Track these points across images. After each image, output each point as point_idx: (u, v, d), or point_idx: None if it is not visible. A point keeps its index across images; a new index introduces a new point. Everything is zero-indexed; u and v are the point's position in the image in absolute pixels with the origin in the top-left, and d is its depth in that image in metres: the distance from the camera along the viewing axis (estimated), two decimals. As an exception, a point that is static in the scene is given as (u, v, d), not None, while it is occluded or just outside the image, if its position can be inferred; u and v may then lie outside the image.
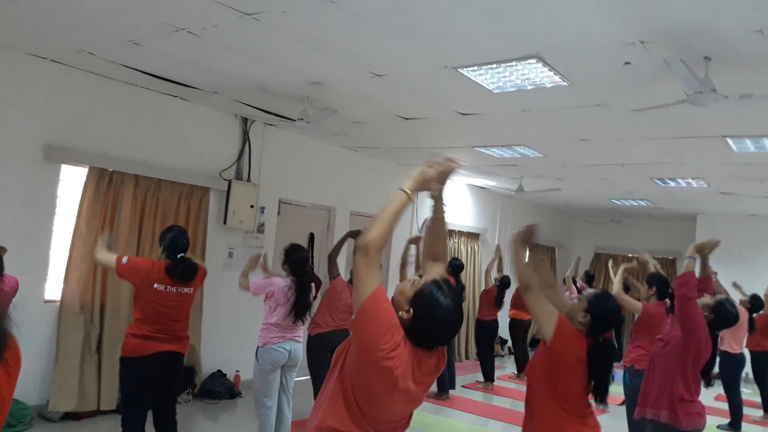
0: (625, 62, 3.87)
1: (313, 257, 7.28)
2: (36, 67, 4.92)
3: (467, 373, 8.94)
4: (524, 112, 5.31)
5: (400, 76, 4.63)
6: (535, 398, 2.70)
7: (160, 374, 3.84)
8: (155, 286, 3.76)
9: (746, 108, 4.45)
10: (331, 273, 5.37)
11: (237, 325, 6.49)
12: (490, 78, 4.42)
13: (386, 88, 4.95)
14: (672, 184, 8.38)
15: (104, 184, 5.36)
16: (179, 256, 3.86)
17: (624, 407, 4.93)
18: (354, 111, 5.83)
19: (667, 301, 4.78)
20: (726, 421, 6.93)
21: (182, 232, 4.00)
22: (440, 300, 1.89)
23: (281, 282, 4.45)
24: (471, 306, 10.03)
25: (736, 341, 6.87)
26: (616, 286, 4.96)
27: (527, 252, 3.17)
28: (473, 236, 10.66)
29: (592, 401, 2.66)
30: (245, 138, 6.65)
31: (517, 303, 9.03)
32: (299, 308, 4.49)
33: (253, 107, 6.09)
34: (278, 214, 7.10)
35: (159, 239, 4.04)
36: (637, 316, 4.96)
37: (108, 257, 3.86)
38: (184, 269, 3.83)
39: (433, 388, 7.14)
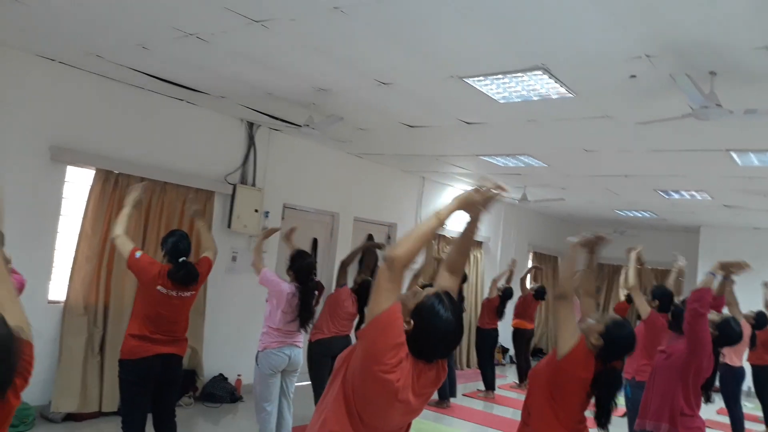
0: (631, 75, 3.88)
1: (315, 262, 7.29)
2: (45, 69, 4.97)
3: (468, 382, 8.93)
4: (529, 123, 5.33)
5: (406, 85, 4.65)
6: (534, 404, 2.71)
7: (159, 376, 3.85)
8: (158, 288, 3.78)
9: (751, 122, 4.46)
10: (339, 281, 5.39)
11: (239, 329, 6.51)
12: (496, 88, 4.44)
13: (392, 97, 4.98)
14: (676, 196, 8.38)
15: (110, 186, 5.39)
16: (181, 260, 3.88)
17: (625, 419, 4.92)
18: (359, 118, 5.85)
19: (669, 315, 4.76)
20: (727, 435, 6.91)
21: (184, 236, 4.02)
22: (441, 313, 1.90)
23: (287, 288, 4.46)
24: (473, 314, 10.03)
25: (736, 354, 6.84)
26: (632, 279, 4.75)
27: (583, 258, 3.12)
28: (476, 244, 10.66)
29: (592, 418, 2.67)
30: (251, 143, 6.68)
31: (520, 312, 9.03)
32: (304, 315, 4.49)
33: (259, 112, 6.12)
34: (282, 218, 7.12)
35: (161, 243, 4.05)
36: (638, 322, 4.94)
37: (126, 244, 3.82)
38: (186, 273, 3.85)
39: (434, 396, 7.13)
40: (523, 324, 8.96)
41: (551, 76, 4.04)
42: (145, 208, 5.63)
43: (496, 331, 8.36)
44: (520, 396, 8.37)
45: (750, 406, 7.90)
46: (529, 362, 9.20)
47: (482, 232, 10.80)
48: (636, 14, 3.06)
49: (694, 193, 8.06)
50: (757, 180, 6.77)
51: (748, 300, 7.73)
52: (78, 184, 5.36)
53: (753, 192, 7.54)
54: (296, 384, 4.79)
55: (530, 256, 12.45)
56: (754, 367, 7.31)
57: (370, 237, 8.57)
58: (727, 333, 3.68)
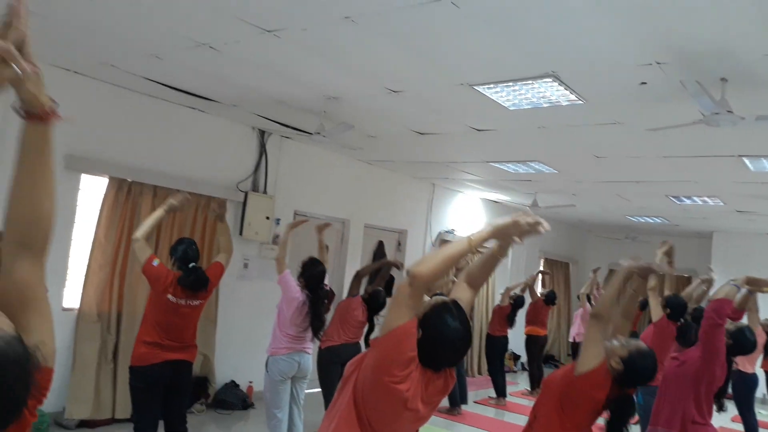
0: (641, 82, 3.89)
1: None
2: (59, 79, 5.02)
3: (480, 389, 8.90)
4: (539, 129, 5.34)
5: (417, 93, 4.68)
6: (542, 411, 2.71)
7: (168, 382, 3.88)
8: (168, 297, 3.83)
9: (763, 128, 4.44)
10: (352, 291, 5.43)
11: (251, 336, 6.53)
12: (506, 95, 4.46)
13: (402, 104, 5.00)
14: (688, 201, 8.34)
15: (123, 194, 5.44)
16: (191, 265, 3.93)
17: (638, 426, 4.89)
18: (370, 125, 5.88)
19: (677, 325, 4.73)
20: (742, 443, 6.84)
21: (192, 243, 4.09)
22: (449, 322, 1.91)
23: (299, 296, 4.48)
24: (484, 320, 10.01)
25: (749, 362, 6.78)
26: (652, 280, 4.59)
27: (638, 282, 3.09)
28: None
29: None
30: (262, 150, 6.72)
31: (532, 319, 9.01)
32: (316, 325, 4.52)
33: (271, 120, 6.17)
34: (293, 226, 7.15)
35: (170, 251, 4.09)
36: (646, 326, 4.91)
37: (144, 250, 3.86)
38: (195, 278, 3.89)
39: (445, 402, 7.12)
40: (536, 330, 8.94)
41: (561, 83, 4.04)
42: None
43: (506, 338, 8.34)
44: (531, 403, 8.31)
45: (764, 413, 7.83)
46: (542, 369, 9.17)
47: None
48: (646, 22, 3.07)
49: (706, 198, 8.02)
50: (770, 186, 6.74)
51: (761, 307, 7.66)
52: (92, 192, 5.42)
53: (766, 197, 7.49)
54: (307, 391, 4.81)
55: (541, 262, 12.42)
56: (768, 374, 7.25)
57: (380, 244, 8.59)
58: (741, 342, 3.66)
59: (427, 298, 2.02)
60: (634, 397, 2.69)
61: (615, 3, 2.91)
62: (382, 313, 5.37)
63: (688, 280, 12.24)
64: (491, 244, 2.15)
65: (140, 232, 3.89)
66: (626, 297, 3.10)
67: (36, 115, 1.09)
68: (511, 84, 4.20)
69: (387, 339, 1.85)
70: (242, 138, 6.56)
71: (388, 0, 3.10)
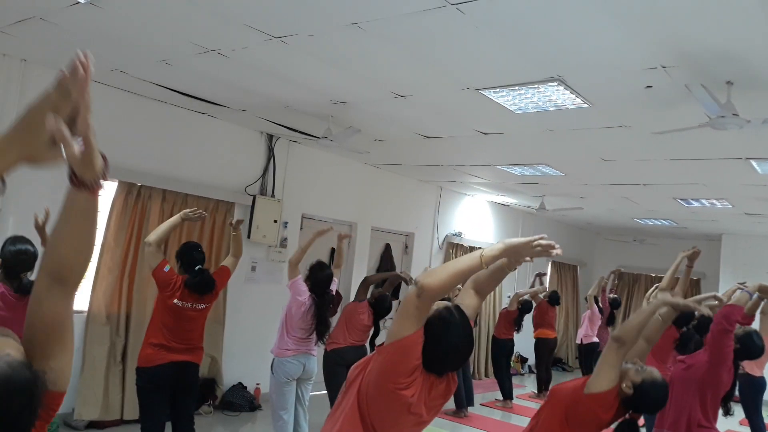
0: (647, 86, 3.89)
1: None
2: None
3: (487, 392, 8.91)
4: (546, 133, 5.35)
5: (423, 97, 4.70)
6: (545, 417, 2.72)
7: (175, 383, 3.93)
8: (175, 301, 3.88)
9: (770, 131, 4.44)
10: (359, 296, 5.47)
11: (258, 338, 6.56)
12: (511, 99, 4.47)
13: (409, 108, 5.03)
14: (696, 204, 8.32)
15: (132, 198, 5.50)
16: (197, 267, 3.98)
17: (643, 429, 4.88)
18: (377, 129, 5.91)
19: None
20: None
21: (198, 247, 4.17)
22: (452, 328, 1.94)
23: (307, 302, 4.52)
24: (490, 323, 10.01)
25: (757, 365, 6.75)
26: (664, 281, 4.37)
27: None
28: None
29: None
30: (270, 154, 6.77)
31: (539, 322, 9.00)
32: (320, 329, 4.57)
33: (278, 125, 6.21)
34: (300, 229, 7.19)
35: (176, 256, 4.14)
36: None
37: (156, 256, 3.90)
38: (201, 279, 3.94)
39: (451, 405, 7.14)
40: (546, 333, 8.93)
41: (567, 87, 4.06)
42: (167, 220, 5.72)
43: (512, 341, 8.35)
44: (537, 406, 8.32)
45: (774, 418, 7.77)
46: (550, 372, 9.17)
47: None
48: (651, 25, 3.07)
49: (714, 201, 7.99)
50: (778, 188, 6.71)
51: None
52: (101, 196, 5.46)
53: (774, 200, 7.47)
54: (312, 393, 4.85)
55: (549, 265, 12.40)
56: (776, 378, 7.20)
57: (387, 247, 8.61)
58: (748, 346, 3.67)
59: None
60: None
61: (620, 7, 2.93)
62: (388, 317, 5.41)
63: (697, 283, 12.21)
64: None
65: (153, 236, 3.93)
66: (653, 322, 3.03)
67: (84, 186, 1.09)
68: (516, 88, 4.21)
69: (393, 348, 1.87)
70: (250, 142, 6.60)
71: (394, 6, 3.13)
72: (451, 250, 9.54)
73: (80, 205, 1.13)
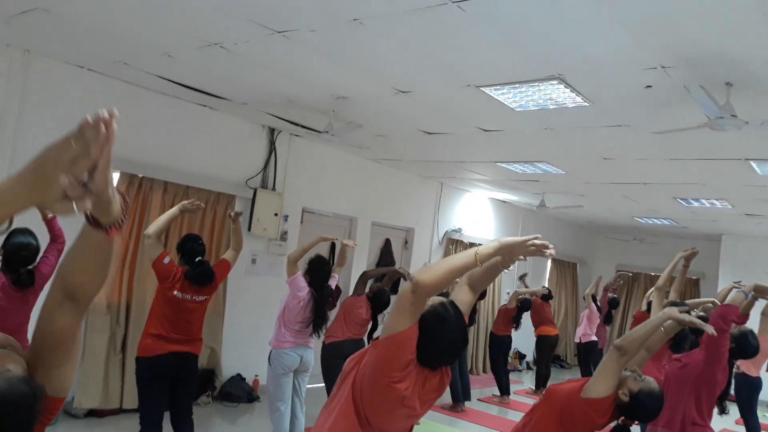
0: (647, 86, 3.91)
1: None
2: (73, 76, 5.11)
3: (484, 387, 8.95)
4: (546, 131, 5.37)
5: (424, 93, 4.72)
6: (540, 415, 2.75)
7: (173, 374, 3.97)
8: (175, 293, 3.91)
9: (769, 133, 4.46)
10: (357, 290, 5.52)
11: (257, 330, 6.60)
12: (512, 97, 4.49)
13: (410, 104, 5.05)
14: (695, 204, 8.33)
15: (134, 189, 5.53)
16: (197, 259, 4.01)
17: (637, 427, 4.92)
18: (378, 125, 5.93)
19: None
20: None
21: (198, 239, 4.20)
22: (445, 322, 1.97)
23: (306, 296, 4.57)
24: (489, 319, 10.04)
25: (754, 364, 6.78)
26: (661, 280, 4.38)
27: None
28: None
29: None
30: (271, 148, 6.79)
31: (539, 320, 9.04)
32: (317, 322, 4.62)
33: (280, 118, 6.23)
34: (301, 222, 7.23)
35: (177, 248, 4.18)
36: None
37: (156, 247, 3.91)
38: (201, 271, 3.98)
39: (448, 399, 7.18)
40: (548, 330, 8.99)
41: (567, 85, 4.08)
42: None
43: (509, 337, 8.40)
44: (534, 402, 8.36)
45: (769, 417, 7.81)
46: (549, 369, 9.21)
47: (500, 238, 10.80)
48: (651, 26, 3.09)
49: (714, 201, 8.01)
50: (778, 189, 6.72)
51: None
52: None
53: (774, 201, 7.48)
54: (309, 385, 4.89)
55: (548, 263, 12.42)
56: (773, 378, 7.22)
57: (387, 242, 8.65)
58: (743, 346, 3.70)
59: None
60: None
61: (621, 7, 2.94)
62: (386, 311, 5.45)
63: (696, 282, 12.23)
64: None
65: (153, 228, 3.93)
66: (656, 334, 3.04)
67: (99, 227, 1.09)
68: (517, 86, 4.23)
69: (388, 343, 1.90)
70: (252, 135, 6.63)
71: (395, 3, 3.15)
72: (450, 246, 9.56)
73: (95, 241, 1.12)
